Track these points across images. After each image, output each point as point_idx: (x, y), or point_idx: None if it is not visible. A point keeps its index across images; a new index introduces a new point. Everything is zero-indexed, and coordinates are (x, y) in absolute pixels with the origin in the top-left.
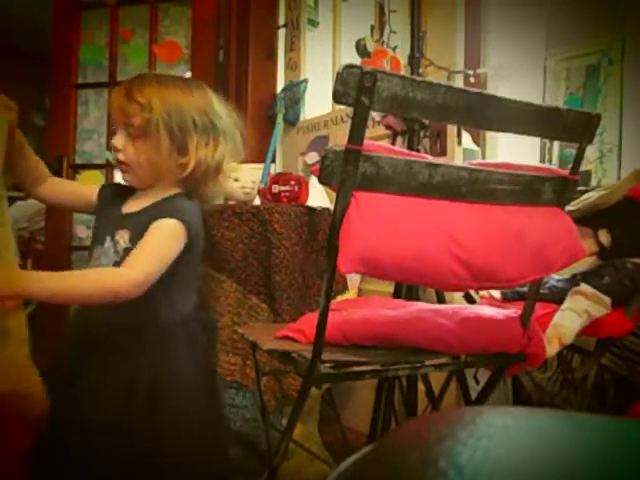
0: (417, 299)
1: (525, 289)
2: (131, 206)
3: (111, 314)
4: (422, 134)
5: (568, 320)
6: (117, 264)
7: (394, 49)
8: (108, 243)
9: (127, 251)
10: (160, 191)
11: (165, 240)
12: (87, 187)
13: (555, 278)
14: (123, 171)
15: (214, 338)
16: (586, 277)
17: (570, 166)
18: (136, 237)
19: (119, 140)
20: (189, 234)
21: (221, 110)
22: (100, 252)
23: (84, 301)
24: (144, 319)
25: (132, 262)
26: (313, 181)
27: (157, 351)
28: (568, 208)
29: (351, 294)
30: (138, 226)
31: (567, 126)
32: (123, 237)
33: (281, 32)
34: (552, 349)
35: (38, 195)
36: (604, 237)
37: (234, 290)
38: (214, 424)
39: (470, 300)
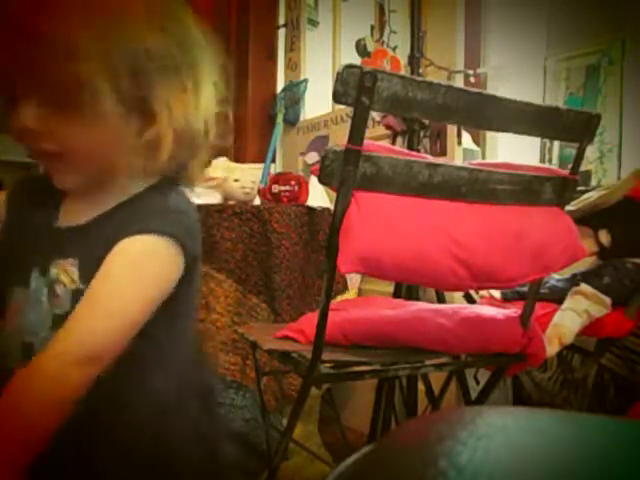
0: (417, 299)
1: (525, 289)
2: (73, 214)
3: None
4: (422, 134)
5: (568, 320)
6: (59, 321)
7: (394, 49)
8: (36, 282)
9: (77, 295)
10: (123, 184)
11: (140, 280)
12: None
13: (555, 278)
14: (50, 169)
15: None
16: (586, 277)
17: (570, 166)
18: (90, 270)
19: (30, 113)
20: (186, 257)
21: (188, 20)
22: (23, 301)
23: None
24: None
25: (68, 333)
26: (313, 181)
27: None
28: (568, 208)
29: (351, 294)
30: (92, 250)
31: (567, 126)
32: (66, 271)
33: (281, 32)
34: (552, 349)
35: None
36: (604, 237)
37: (234, 290)
38: None
39: (470, 300)
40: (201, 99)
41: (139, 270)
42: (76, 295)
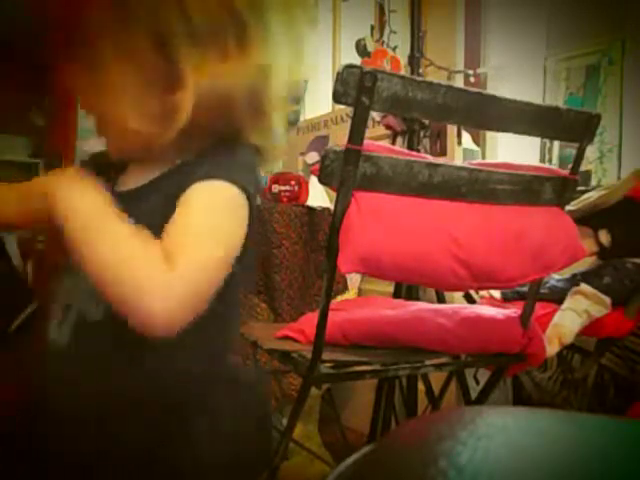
0: (417, 299)
1: (525, 289)
2: (125, 183)
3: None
4: (422, 134)
5: (568, 320)
6: None
7: (394, 49)
8: None
9: None
10: (169, 154)
11: (220, 219)
12: None
13: (555, 278)
14: (97, 133)
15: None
16: (586, 277)
17: (570, 166)
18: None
19: (74, 80)
20: (250, 207)
21: None
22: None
23: (97, 279)
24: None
25: (179, 265)
26: (313, 181)
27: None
28: (568, 208)
29: (351, 294)
30: (147, 207)
31: (567, 126)
32: None
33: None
34: (552, 349)
35: None
36: (604, 237)
37: None
38: None
39: (470, 300)
40: (249, 61)
41: (220, 213)
42: None
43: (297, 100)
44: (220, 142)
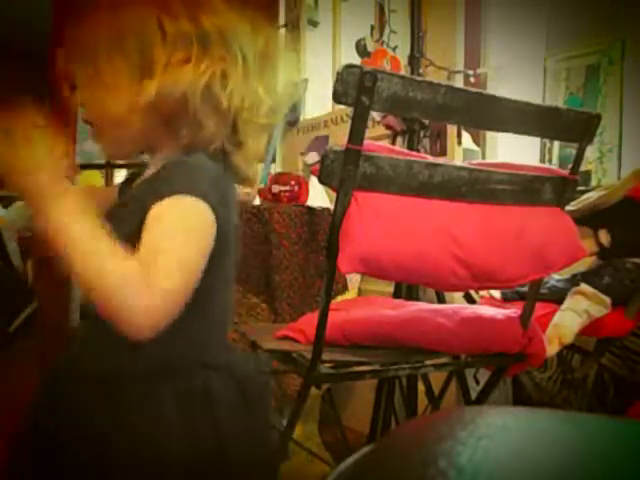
0: (417, 299)
1: (525, 289)
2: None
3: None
4: (422, 134)
5: (568, 320)
6: None
7: (394, 49)
8: None
9: None
10: (161, 156)
11: (187, 237)
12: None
13: (555, 278)
14: (93, 139)
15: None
16: (586, 277)
17: (570, 166)
18: (118, 227)
19: (78, 91)
20: (217, 216)
21: (228, 20)
22: None
23: (82, 285)
24: (120, 366)
25: (153, 277)
26: (313, 181)
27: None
28: (568, 208)
29: (351, 294)
30: (119, 216)
31: (567, 126)
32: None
33: (281, 32)
34: (552, 349)
35: None
36: (604, 237)
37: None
38: None
39: (470, 300)
40: (207, 69)
41: (182, 230)
42: None
43: (277, 111)
44: (189, 151)
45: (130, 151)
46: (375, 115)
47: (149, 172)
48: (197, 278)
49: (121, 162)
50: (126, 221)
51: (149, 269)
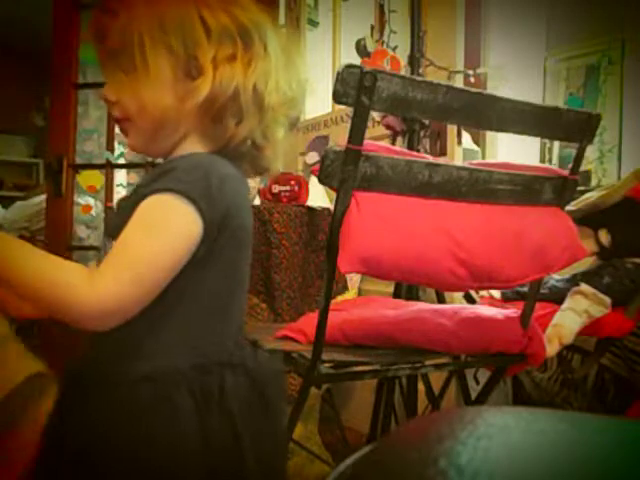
0: (417, 299)
1: (525, 289)
2: None
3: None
4: (422, 134)
5: (568, 320)
6: None
7: (394, 49)
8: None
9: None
10: (182, 150)
11: (149, 234)
12: None
13: (555, 278)
14: (125, 134)
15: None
16: (586, 277)
17: (570, 166)
18: (116, 230)
19: (109, 86)
20: (203, 217)
21: (259, 15)
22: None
23: (33, 300)
24: (111, 368)
25: (101, 275)
26: (313, 181)
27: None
28: (568, 208)
29: (351, 294)
30: (120, 213)
31: (567, 126)
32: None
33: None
34: (552, 349)
35: None
36: (604, 237)
37: None
38: None
39: (470, 300)
40: (253, 68)
41: (150, 229)
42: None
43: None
44: (215, 148)
45: (167, 148)
46: (375, 115)
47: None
48: (164, 275)
49: (121, 162)
50: (125, 213)
51: (105, 263)
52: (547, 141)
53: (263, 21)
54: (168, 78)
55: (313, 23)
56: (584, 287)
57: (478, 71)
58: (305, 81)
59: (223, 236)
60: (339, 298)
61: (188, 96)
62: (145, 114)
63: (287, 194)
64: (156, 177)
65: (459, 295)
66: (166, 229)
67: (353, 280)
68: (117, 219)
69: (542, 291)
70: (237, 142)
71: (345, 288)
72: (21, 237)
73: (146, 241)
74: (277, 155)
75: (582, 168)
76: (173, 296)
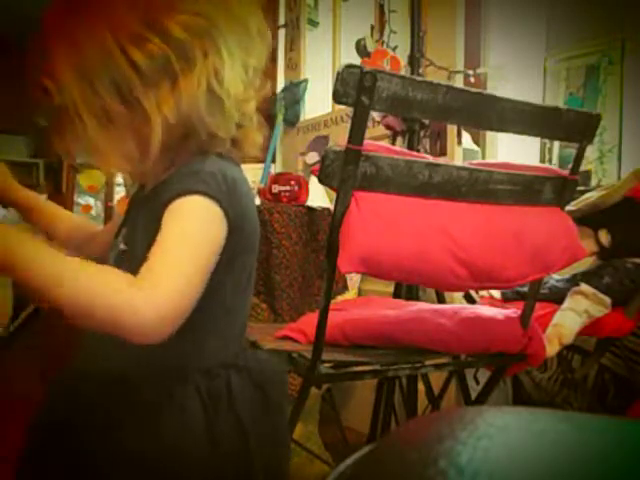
0: (417, 299)
1: (525, 289)
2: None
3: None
4: (422, 134)
5: (568, 320)
6: None
7: (394, 49)
8: (114, 247)
9: (121, 256)
10: (162, 167)
11: (191, 238)
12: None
13: (555, 278)
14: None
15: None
16: (586, 277)
17: (570, 166)
18: (131, 233)
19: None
20: (228, 220)
21: (199, 9)
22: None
23: (81, 319)
24: (142, 369)
25: (152, 285)
26: (313, 181)
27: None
28: (568, 208)
29: (351, 294)
30: (136, 216)
31: (567, 126)
32: (122, 236)
33: (281, 32)
34: (552, 349)
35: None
36: (604, 237)
37: None
38: None
39: (470, 300)
40: (202, 82)
41: (192, 230)
42: (121, 256)
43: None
44: (195, 154)
45: (154, 170)
46: (375, 115)
47: (151, 179)
48: (205, 279)
49: None
50: (136, 217)
51: (153, 271)
52: (547, 141)
53: (206, 15)
54: (116, 137)
55: (313, 23)
56: (584, 287)
57: (478, 71)
58: (266, 35)
59: (239, 239)
60: (339, 298)
61: (146, 142)
62: (116, 166)
63: (287, 194)
64: (179, 179)
65: (459, 295)
66: (206, 232)
67: (353, 280)
68: (134, 221)
69: (542, 291)
70: (219, 146)
71: (345, 288)
72: None
73: (191, 245)
74: (257, 134)
75: (582, 168)
76: None
